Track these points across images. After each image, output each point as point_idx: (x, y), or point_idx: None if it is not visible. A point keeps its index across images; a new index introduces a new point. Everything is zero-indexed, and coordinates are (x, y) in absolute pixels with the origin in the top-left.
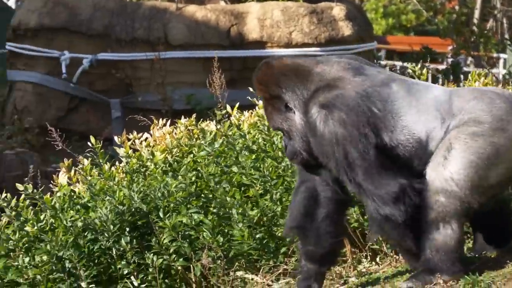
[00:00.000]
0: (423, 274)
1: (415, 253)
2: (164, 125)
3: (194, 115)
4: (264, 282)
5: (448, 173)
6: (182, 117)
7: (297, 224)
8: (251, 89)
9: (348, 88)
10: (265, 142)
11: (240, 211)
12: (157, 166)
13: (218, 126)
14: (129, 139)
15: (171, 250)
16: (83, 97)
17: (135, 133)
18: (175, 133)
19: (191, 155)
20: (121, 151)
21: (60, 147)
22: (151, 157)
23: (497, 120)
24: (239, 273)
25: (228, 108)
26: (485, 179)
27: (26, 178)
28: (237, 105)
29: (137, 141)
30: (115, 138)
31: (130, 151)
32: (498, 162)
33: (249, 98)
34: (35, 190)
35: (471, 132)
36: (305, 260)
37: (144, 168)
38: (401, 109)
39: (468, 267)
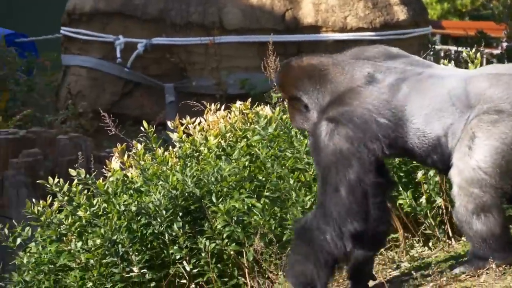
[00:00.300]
0: (475, 260)
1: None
2: (218, 109)
3: (249, 100)
4: None
5: (474, 162)
6: (237, 101)
7: None
8: None
9: (356, 104)
10: None
11: (294, 195)
12: (210, 150)
13: (273, 110)
14: (182, 124)
15: (224, 235)
16: (137, 82)
17: (188, 118)
18: (229, 118)
19: (245, 140)
20: (174, 136)
21: (114, 132)
22: (204, 141)
23: None
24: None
25: None
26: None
27: (78, 163)
28: None
29: (190, 126)
30: (169, 123)
31: (184, 136)
32: None
33: None
34: (88, 175)
35: (491, 120)
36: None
37: (198, 153)
38: (412, 113)
39: None
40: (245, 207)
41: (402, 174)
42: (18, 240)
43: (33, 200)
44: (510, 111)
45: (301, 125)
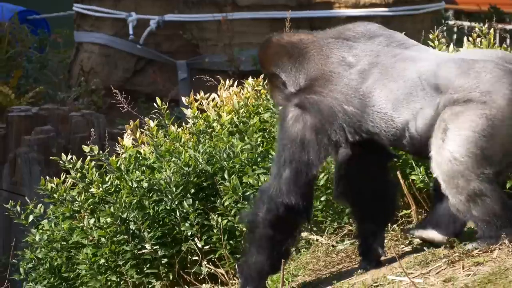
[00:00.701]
0: (486, 238)
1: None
2: (231, 85)
3: (261, 76)
4: (328, 243)
5: (449, 154)
6: (250, 78)
7: (342, 189)
8: None
9: (325, 93)
10: None
11: None
12: (223, 127)
13: None
14: (196, 100)
15: (232, 212)
16: (150, 59)
17: (202, 93)
18: (242, 94)
19: (258, 116)
20: (188, 112)
21: (126, 109)
22: (217, 118)
23: (485, 93)
24: (303, 234)
25: None
26: (487, 150)
27: (91, 140)
28: None
29: (204, 102)
30: (183, 99)
31: (197, 112)
32: (495, 132)
33: None
34: (100, 152)
35: (461, 110)
36: (360, 223)
37: (211, 129)
38: (380, 98)
39: None
40: (259, 183)
41: None
42: (31, 217)
43: (46, 177)
44: (480, 99)
45: (280, 102)
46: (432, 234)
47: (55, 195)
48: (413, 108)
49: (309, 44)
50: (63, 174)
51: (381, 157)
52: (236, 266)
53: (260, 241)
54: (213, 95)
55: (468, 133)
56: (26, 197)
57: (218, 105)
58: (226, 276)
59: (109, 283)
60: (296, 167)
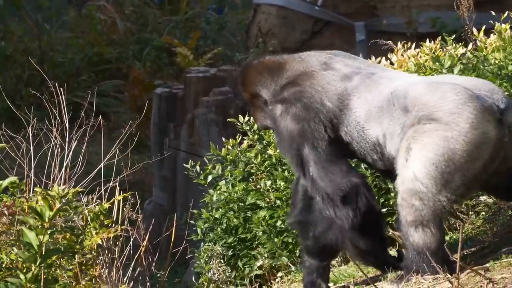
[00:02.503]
0: (407, 276)
1: (370, 254)
2: (409, 48)
3: (439, 38)
4: None
5: (411, 173)
6: (427, 40)
7: (297, 218)
8: (493, 13)
9: (307, 85)
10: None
11: None
12: None
13: (462, 51)
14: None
15: None
16: (328, 20)
17: (377, 58)
18: (420, 57)
19: None
20: None
21: None
22: None
23: (448, 114)
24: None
25: (474, 31)
26: (448, 174)
27: None
28: (483, 28)
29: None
30: None
31: None
32: (455, 156)
33: (491, 22)
34: None
35: (425, 129)
36: (307, 255)
37: None
38: (356, 105)
39: (452, 266)
40: None
41: None
42: (209, 178)
43: (223, 139)
44: (442, 119)
45: (263, 123)
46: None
47: (229, 157)
48: (382, 123)
49: (289, 58)
50: (239, 136)
51: None
52: None
53: (357, 238)
54: (389, 57)
55: (430, 155)
56: (204, 158)
57: (394, 68)
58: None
59: (285, 245)
60: (314, 160)
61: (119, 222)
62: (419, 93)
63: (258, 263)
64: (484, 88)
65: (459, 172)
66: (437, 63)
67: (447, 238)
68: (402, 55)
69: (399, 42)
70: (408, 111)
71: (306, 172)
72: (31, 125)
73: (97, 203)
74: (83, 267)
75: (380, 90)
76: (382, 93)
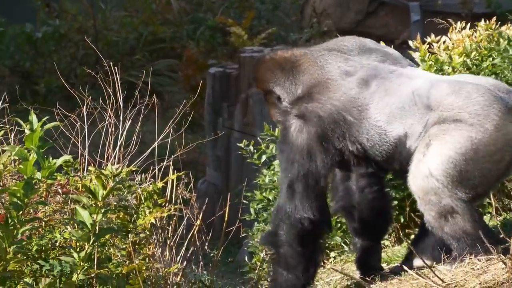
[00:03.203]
0: (461, 257)
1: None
2: (463, 28)
3: (494, 18)
4: None
5: (427, 169)
6: (482, 20)
7: (341, 204)
8: None
9: (324, 101)
10: None
11: None
12: (455, 70)
13: None
14: (425, 42)
15: None
16: (382, 1)
17: (433, 36)
18: (475, 37)
19: (490, 59)
20: (416, 55)
21: None
22: (449, 60)
23: (474, 115)
24: None
25: None
26: (466, 173)
27: None
28: None
29: (434, 45)
30: (410, 42)
31: (428, 55)
32: (477, 157)
33: None
34: None
35: (448, 128)
36: (356, 237)
37: (441, 72)
38: (376, 111)
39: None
40: None
41: None
42: (263, 158)
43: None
44: (468, 120)
45: (278, 118)
46: (418, 262)
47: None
48: (405, 123)
49: (302, 57)
50: None
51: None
52: None
53: (287, 259)
54: (444, 37)
55: (451, 153)
56: (258, 138)
57: (449, 48)
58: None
59: (339, 225)
60: (306, 181)
61: (173, 202)
62: (444, 93)
63: None
64: (502, 88)
65: (478, 172)
66: (493, 43)
67: (500, 218)
68: (459, 34)
69: (453, 22)
70: (432, 109)
71: (292, 189)
72: (85, 104)
73: (150, 182)
74: (136, 246)
75: (400, 91)
76: (403, 94)
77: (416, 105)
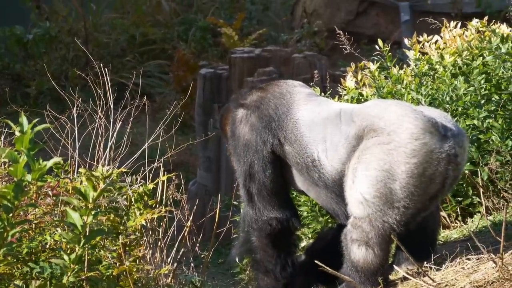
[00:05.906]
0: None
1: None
2: (454, 27)
3: (485, 18)
4: None
5: (359, 195)
6: (473, 20)
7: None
8: None
9: (268, 91)
10: None
11: None
12: (446, 69)
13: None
14: (419, 42)
15: None
16: (373, 1)
17: (425, 35)
18: (466, 36)
19: (481, 58)
20: (410, 54)
21: (348, 51)
22: (440, 60)
23: (389, 124)
24: None
25: None
26: (395, 189)
27: (313, 81)
28: None
29: (426, 44)
30: (405, 41)
31: (419, 54)
32: (399, 170)
33: None
34: (322, 94)
35: (368, 145)
36: None
37: (433, 71)
38: (303, 118)
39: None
40: (484, 125)
41: None
42: None
43: None
44: (385, 129)
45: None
46: (405, 267)
47: None
48: (325, 131)
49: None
50: None
51: None
52: None
53: (264, 263)
54: (436, 37)
55: (377, 173)
56: None
57: (440, 47)
58: (448, 219)
59: (329, 224)
60: (259, 179)
61: (163, 203)
62: (365, 106)
63: (302, 244)
64: (434, 112)
65: (406, 188)
66: (484, 42)
67: (490, 218)
68: (451, 33)
69: (446, 22)
70: (353, 121)
71: (249, 192)
72: (75, 105)
73: (141, 183)
74: (126, 248)
75: (330, 106)
76: (331, 108)
77: (340, 118)
